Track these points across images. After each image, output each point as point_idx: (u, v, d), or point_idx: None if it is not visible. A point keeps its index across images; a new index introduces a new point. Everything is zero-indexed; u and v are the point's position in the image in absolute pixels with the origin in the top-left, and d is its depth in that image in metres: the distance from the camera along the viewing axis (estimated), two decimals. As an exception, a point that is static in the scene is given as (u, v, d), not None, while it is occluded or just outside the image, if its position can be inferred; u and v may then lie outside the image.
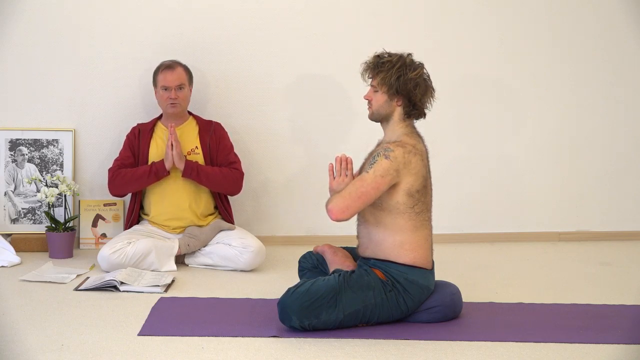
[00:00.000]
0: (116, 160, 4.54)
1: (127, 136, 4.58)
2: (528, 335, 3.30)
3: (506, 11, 5.06)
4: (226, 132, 4.62)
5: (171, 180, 4.44)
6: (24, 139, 4.79)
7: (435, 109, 3.54)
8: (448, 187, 5.02)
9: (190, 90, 4.57)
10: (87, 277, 4.09)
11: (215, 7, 4.87)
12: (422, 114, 3.47)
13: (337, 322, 3.29)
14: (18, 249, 4.59)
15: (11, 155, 4.78)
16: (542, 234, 5.20)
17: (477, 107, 5.10)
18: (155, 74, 4.52)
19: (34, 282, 4.02)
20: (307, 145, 5.01)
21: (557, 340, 3.25)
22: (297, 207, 5.03)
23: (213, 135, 4.55)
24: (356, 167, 3.51)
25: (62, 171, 4.79)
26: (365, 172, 3.34)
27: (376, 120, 3.50)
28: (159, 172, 4.39)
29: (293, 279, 3.83)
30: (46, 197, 4.53)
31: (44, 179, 4.74)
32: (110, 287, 3.88)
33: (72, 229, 4.60)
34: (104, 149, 4.84)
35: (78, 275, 4.16)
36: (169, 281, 4.00)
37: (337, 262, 3.57)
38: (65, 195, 4.69)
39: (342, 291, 3.29)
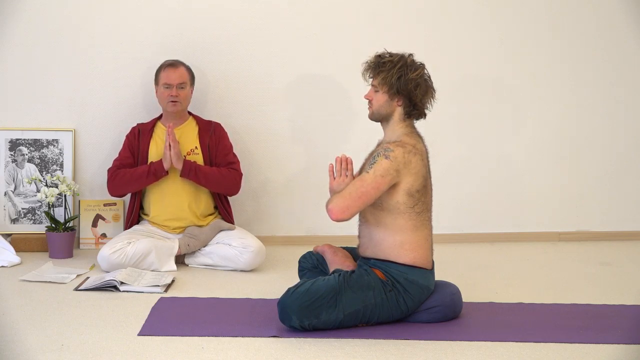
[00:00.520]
0: (115, 160, 4.54)
1: (127, 136, 4.58)
2: (528, 335, 3.30)
3: (506, 11, 5.06)
4: (226, 133, 4.62)
5: (171, 180, 4.44)
6: (24, 139, 4.79)
7: (435, 109, 3.54)
8: (448, 187, 5.01)
9: (192, 91, 4.56)
10: (87, 277, 4.09)
11: (215, 7, 4.86)
12: (422, 114, 3.47)
13: (337, 322, 3.29)
14: (18, 249, 4.59)
15: (11, 155, 4.78)
16: (542, 234, 5.19)
17: (477, 107, 5.10)
18: (158, 72, 4.52)
19: (34, 282, 4.02)
20: (307, 145, 5.01)
21: (557, 340, 3.25)
22: (297, 207, 5.03)
23: (213, 136, 4.55)
24: (356, 167, 3.51)
25: (62, 171, 4.79)
26: (365, 172, 3.34)
27: (376, 120, 3.50)
28: (158, 172, 4.39)
29: (293, 279, 3.82)
30: (46, 197, 4.53)
31: (44, 179, 4.74)
32: (110, 287, 3.88)
33: (72, 229, 4.60)
34: (104, 149, 4.84)
35: (78, 275, 4.16)
36: (169, 281, 4.00)
37: (337, 262, 3.57)
38: (65, 195, 4.69)
39: (342, 291, 3.29)
